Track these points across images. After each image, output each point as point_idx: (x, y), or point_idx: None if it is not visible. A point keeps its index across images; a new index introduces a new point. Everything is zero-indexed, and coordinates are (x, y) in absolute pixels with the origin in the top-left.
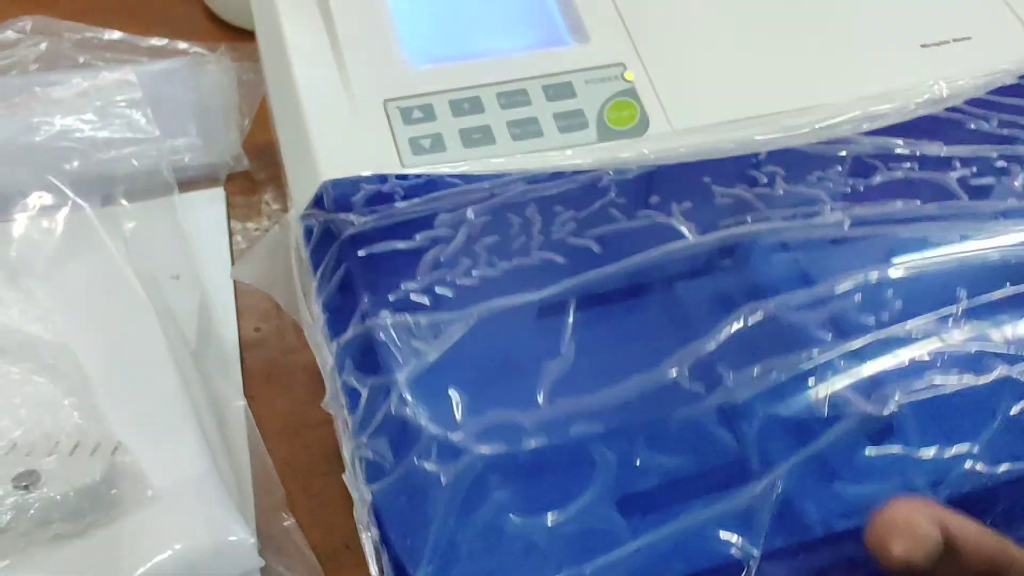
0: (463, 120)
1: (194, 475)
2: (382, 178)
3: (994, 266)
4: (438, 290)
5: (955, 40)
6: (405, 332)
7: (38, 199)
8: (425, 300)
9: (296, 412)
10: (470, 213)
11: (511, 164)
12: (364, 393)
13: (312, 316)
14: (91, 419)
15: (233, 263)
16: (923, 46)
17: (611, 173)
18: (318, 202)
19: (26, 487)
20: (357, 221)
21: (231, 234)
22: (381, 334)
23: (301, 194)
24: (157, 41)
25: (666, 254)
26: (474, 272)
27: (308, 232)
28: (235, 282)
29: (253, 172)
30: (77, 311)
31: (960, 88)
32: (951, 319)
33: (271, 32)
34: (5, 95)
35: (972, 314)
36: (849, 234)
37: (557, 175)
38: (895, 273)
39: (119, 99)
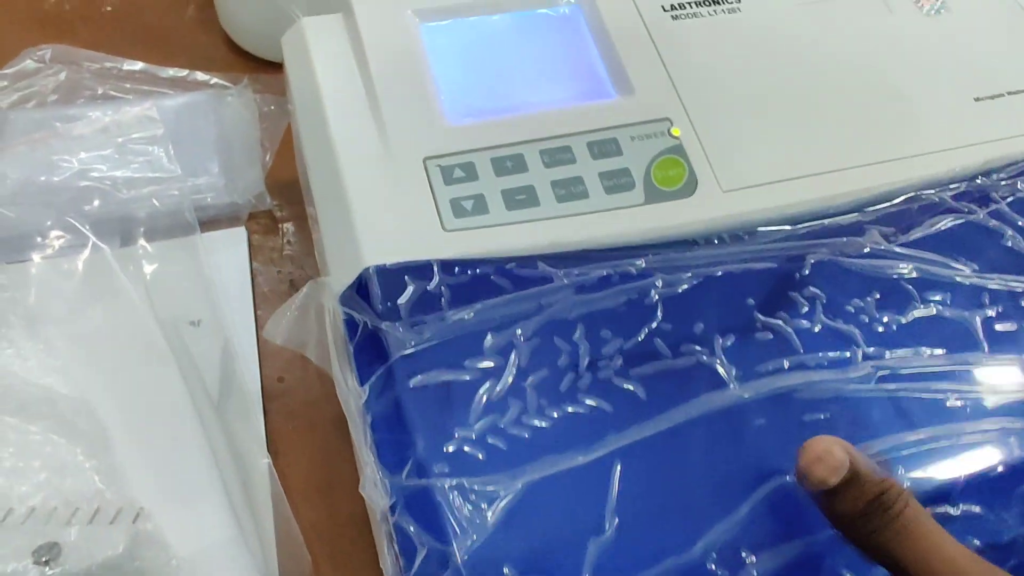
0: (506, 180)
1: (219, 541)
2: (427, 268)
3: None
4: (490, 440)
5: (1010, 93)
6: (462, 497)
7: (57, 240)
8: (479, 454)
9: (322, 469)
10: (519, 334)
11: (556, 232)
12: (420, 552)
13: (356, 414)
14: (112, 482)
15: (255, 306)
16: (977, 100)
17: (659, 283)
18: (360, 288)
19: (46, 562)
20: (407, 340)
21: (253, 276)
22: (439, 496)
23: (339, 268)
24: (177, 72)
25: (708, 405)
26: (524, 419)
27: (351, 323)
28: (257, 326)
29: (275, 210)
30: (97, 362)
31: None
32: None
33: (305, 84)
34: (25, 129)
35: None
36: (876, 390)
37: (605, 280)
38: (920, 437)
39: (140, 135)
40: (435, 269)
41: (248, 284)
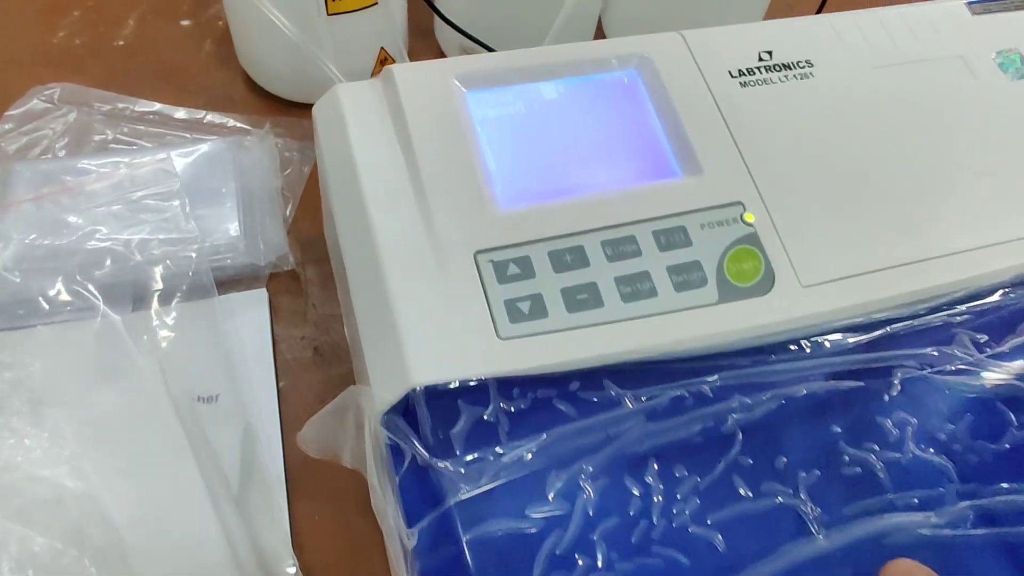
0: (566, 276)
1: None
2: (482, 391)
3: None
4: None
5: None
6: None
7: (65, 306)
8: None
9: (350, 566)
10: (585, 474)
11: (623, 339)
12: None
13: (398, 549)
14: None
15: (277, 377)
16: None
17: (736, 407)
18: (406, 411)
19: None
20: (462, 484)
21: (275, 342)
22: None
23: (381, 381)
24: (193, 113)
25: (792, 557)
26: None
27: (396, 451)
28: (280, 400)
29: (298, 269)
30: (107, 450)
31: None
32: None
33: (340, 160)
34: (31, 183)
35: None
36: (972, 535)
37: (678, 403)
38: None
39: (155, 191)
40: (491, 392)
41: (269, 352)
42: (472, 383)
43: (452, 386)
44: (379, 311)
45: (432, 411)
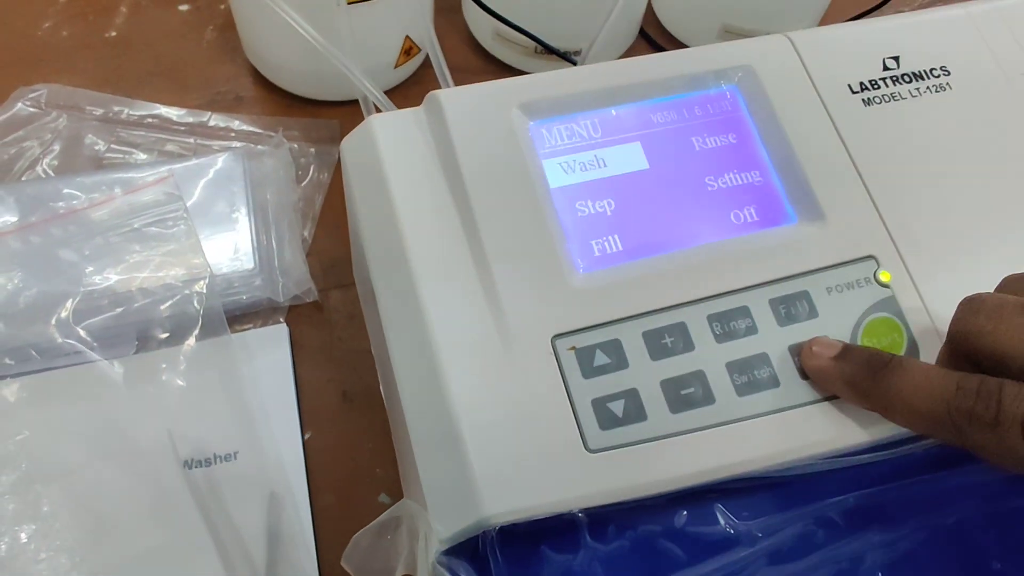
0: (666, 364)
1: None
2: (570, 530)
3: None
4: None
5: None
6: None
7: (58, 355)
8: None
9: None
10: None
11: (742, 447)
12: None
13: None
14: None
15: (302, 427)
16: None
17: (876, 544)
18: (473, 553)
19: None
20: None
21: (298, 386)
22: None
23: (439, 504)
24: (195, 116)
25: None
26: None
27: None
28: (306, 456)
29: (321, 298)
30: (108, 541)
31: None
32: None
33: (378, 213)
34: (20, 209)
35: None
36: None
37: (807, 540)
38: None
39: (158, 217)
40: (581, 531)
41: (292, 399)
42: (558, 523)
43: (531, 521)
44: (435, 418)
45: (507, 559)
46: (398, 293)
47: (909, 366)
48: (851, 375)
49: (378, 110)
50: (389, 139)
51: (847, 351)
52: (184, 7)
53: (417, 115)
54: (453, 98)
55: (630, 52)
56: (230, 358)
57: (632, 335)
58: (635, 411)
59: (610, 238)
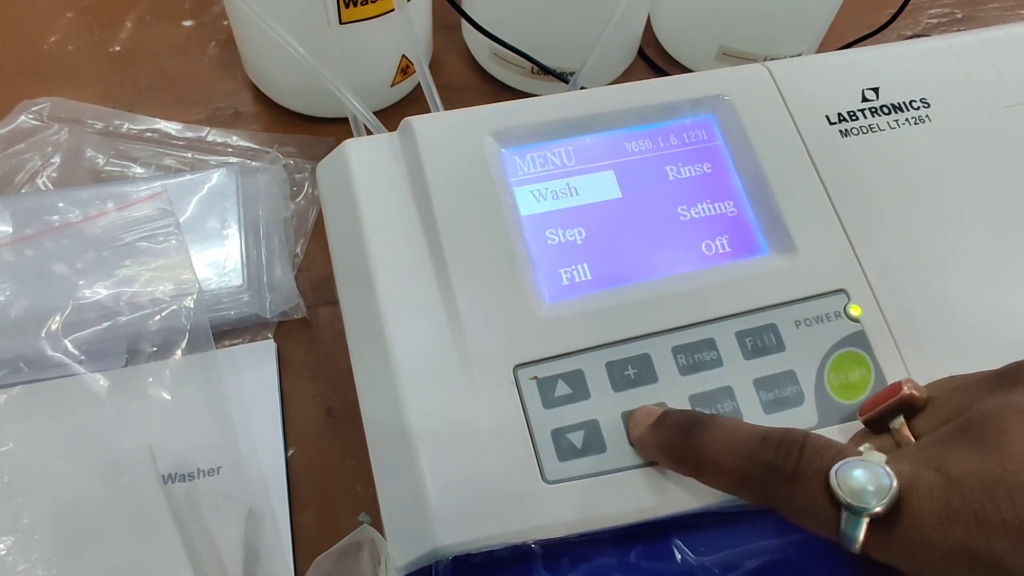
0: (628, 396)
1: None
2: (525, 562)
3: None
4: None
5: None
6: None
7: (48, 369)
8: None
9: None
10: None
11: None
12: None
13: None
14: None
15: (286, 444)
16: None
17: None
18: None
19: None
20: None
21: (283, 401)
22: None
23: (398, 532)
24: (194, 131)
25: None
26: None
27: None
28: (288, 472)
29: (309, 314)
30: (86, 554)
31: None
32: None
33: (349, 238)
34: (15, 221)
35: None
36: None
37: (766, 574)
38: None
39: (150, 233)
40: (536, 564)
41: (277, 414)
42: (512, 552)
43: (485, 551)
44: (394, 444)
45: None
46: (363, 317)
47: (719, 423)
48: (665, 440)
49: (368, 131)
50: (363, 164)
51: (664, 416)
52: (188, 23)
53: (392, 140)
54: (426, 124)
55: (628, 73)
56: (216, 373)
57: (595, 366)
58: (595, 442)
59: (579, 267)
